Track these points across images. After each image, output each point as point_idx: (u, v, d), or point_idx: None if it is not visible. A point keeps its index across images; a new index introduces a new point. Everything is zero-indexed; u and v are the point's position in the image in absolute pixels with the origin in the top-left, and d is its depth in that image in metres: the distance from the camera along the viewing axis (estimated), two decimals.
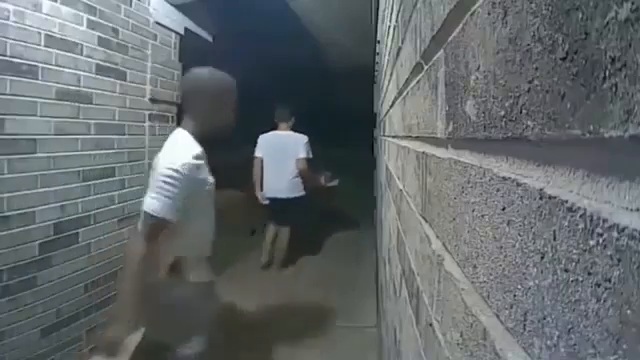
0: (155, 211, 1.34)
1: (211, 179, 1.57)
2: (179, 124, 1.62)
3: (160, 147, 1.58)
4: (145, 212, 1.36)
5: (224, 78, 1.62)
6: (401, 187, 0.90)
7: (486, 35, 0.28)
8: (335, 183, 3.85)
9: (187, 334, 1.53)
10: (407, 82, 0.76)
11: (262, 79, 5.45)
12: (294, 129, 3.63)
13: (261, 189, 3.55)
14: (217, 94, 1.58)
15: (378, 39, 2.61)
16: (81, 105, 2.25)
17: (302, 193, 3.60)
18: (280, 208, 3.52)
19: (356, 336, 2.68)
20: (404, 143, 0.87)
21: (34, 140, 1.98)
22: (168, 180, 1.36)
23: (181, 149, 1.45)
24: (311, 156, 3.57)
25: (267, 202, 3.57)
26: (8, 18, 1.84)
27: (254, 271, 3.86)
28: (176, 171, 1.37)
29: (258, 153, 3.58)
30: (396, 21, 0.99)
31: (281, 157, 3.47)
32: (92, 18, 2.30)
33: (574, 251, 0.17)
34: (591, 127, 0.16)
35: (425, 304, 0.52)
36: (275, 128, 3.63)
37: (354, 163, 5.00)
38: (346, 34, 4.12)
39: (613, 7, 0.14)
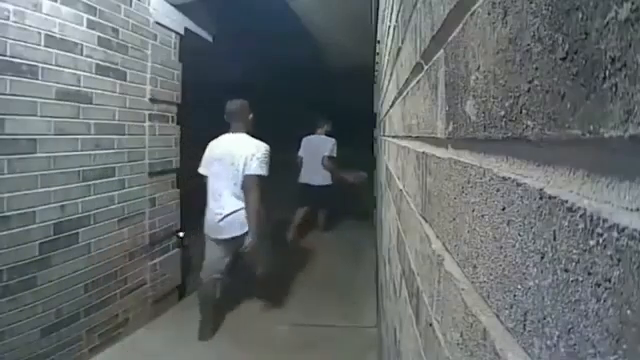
0: (264, 174, 2.51)
1: None
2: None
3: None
4: (255, 174, 2.47)
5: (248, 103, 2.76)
6: (401, 187, 0.90)
7: (486, 35, 0.28)
8: (361, 178, 4.62)
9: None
10: (407, 82, 0.76)
11: (262, 79, 5.45)
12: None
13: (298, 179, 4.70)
14: (250, 111, 2.75)
15: (378, 39, 2.61)
16: (81, 105, 2.25)
17: (329, 182, 4.61)
18: (312, 192, 4.59)
19: (356, 336, 2.68)
20: (404, 143, 0.87)
21: (34, 140, 1.98)
22: (267, 156, 2.55)
23: (260, 142, 2.58)
24: (335, 155, 4.57)
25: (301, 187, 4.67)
26: (8, 18, 1.84)
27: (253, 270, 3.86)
28: (268, 151, 2.57)
29: (300, 153, 4.69)
30: (396, 21, 0.99)
31: (314, 154, 4.53)
32: (92, 18, 2.30)
33: (574, 251, 0.17)
34: (591, 127, 0.16)
35: (425, 304, 0.52)
36: (313, 132, 4.74)
37: (354, 163, 5.09)
38: (346, 34, 4.12)
39: (613, 7, 0.14)
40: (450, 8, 0.37)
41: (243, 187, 2.49)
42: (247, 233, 2.50)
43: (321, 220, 5.07)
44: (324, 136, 4.66)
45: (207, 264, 2.67)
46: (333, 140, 4.60)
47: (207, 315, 2.67)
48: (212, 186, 2.61)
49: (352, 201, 5.56)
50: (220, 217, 2.54)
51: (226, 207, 2.53)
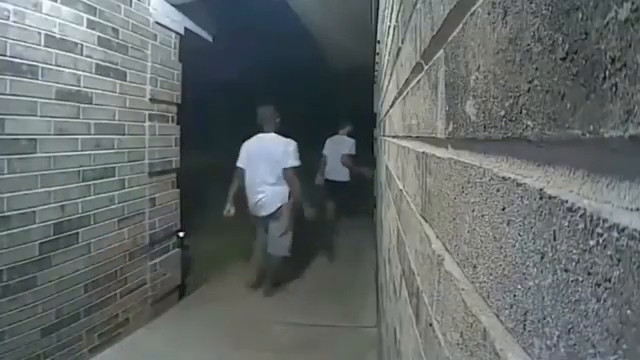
0: (298, 164, 3.22)
1: None
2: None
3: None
4: (293, 166, 3.19)
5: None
6: (401, 187, 0.90)
7: (486, 35, 0.28)
8: (368, 173, 4.95)
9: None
10: (407, 82, 0.76)
11: (262, 79, 5.45)
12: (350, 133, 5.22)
13: (322, 175, 5.12)
14: (277, 115, 3.38)
15: (378, 39, 2.61)
16: (81, 105, 2.25)
17: (348, 179, 5.09)
18: (333, 187, 5.10)
19: (356, 336, 2.68)
20: (404, 143, 0.87)
21: (34, 140, 1.98)
22: (296, 150, 3.24)
23: (288, 139, 3.26)
24: (354, 153, 5.01)
25: (322, 183, 5.13)
26: (8, 18, 1.84)
27: (253, 270, 3.87)
28: (296, 146, 3.25)
29: (324, 151, 5.14)
30: (396, 21, 0.99)
31: (335, 153, 4.99)
32: (92, 18, 2.30)
33: (574, 251, 0.17)
34: (591, 127, 0.16)
35: (425, 304, 0.52)
36: (336, 133, 5.17)
37: (354, 163, 5.15)
38: (346, 34, 4.12)
39: (613, 7, 0.14)
40: (450, 8, 0.37)
41: (285, 177, 3.21)
42: (282, 207, 3.28)
43: (330, 213, 5.39)
44: (345, 136, 5.14)
45: (258, 237, 3.46)
46: (353, 140, 5.06)
47: (261, 273, 3.41)
48: (251, 176, 3.26)
49: (363, 197, 5.71)
50: (260, 199, 3.23)
51: (265, 192, 3.22)
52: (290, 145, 3.22)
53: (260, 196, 3.21)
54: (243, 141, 3.35)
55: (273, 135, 3.30)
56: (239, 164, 3.31)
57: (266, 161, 3.19)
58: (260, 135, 3.34)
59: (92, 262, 2.34)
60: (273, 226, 3.25)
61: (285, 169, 3.18)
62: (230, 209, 3.30)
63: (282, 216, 3.23)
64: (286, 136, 3.27)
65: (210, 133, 5.87)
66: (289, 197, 3.26)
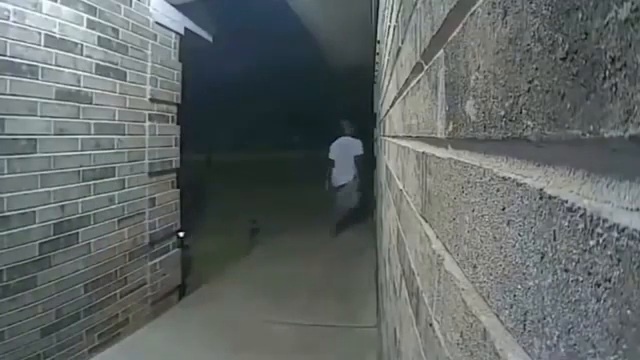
0: (362, 153, 5.37)
1: None
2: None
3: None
4: (359, 154, 5.34)
5: None
6: (401, 187, 0.90)
7: (486, 35, 0.28)
8: None
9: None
10: (407, 82, 0.76)
11: (262, 79, 5.45)
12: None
13: None
14: (353, 126, 5.52)
15: (378, 39, 2.61)
16: (81, 105, 2.25)
17: None
18: None
19: (356, 336, 2.68)
20: (404, 143, 0.87)
21: (34, 140, 1.98)
22: (361, 145, 5.42)
23: (357, 139, 5.41)
24: None
25: None
26: (8, 18, 1.84)
27: (253, 270, 3.86)
28: (361, 143, 5.56)
29: None
30: (396, 21, 0.99)
31: None
32: (92, 18, 2.30)
33: (574, 251, 0.17)
34: (591, 127, 0.16)
35: (425, 304, 0.52)
36: None
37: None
38: (346, 34, 4.12)
39: (613, 7, 0.14)
40: (450, 8, 0.37)
41: (354, 161, 5.15)
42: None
43: None
44: None
45: (336, 200, 5.29)
46: None
47: (336, 224, 5.23)
48: (340, 163, 5.18)
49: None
50: (344, 176, 5.18)
51: (347, 171, 5.15)
52: (359, 143, 5.27)
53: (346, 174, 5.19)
54: (329, 144, 5.30)
55: (350, 138, 5.34)
56: (331, 156, 5.31)
57: (349, 153, 5.19)
58: (344, 138, 5.37)
59: (92, 262, 2.34)
60: (346, 191, 5.20)
61: (355, 156, 5.22)
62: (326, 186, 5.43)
63: (352, 185, 5.20)
64: (355, 138, 5.32)
65: (210, 133, 5.88)
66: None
